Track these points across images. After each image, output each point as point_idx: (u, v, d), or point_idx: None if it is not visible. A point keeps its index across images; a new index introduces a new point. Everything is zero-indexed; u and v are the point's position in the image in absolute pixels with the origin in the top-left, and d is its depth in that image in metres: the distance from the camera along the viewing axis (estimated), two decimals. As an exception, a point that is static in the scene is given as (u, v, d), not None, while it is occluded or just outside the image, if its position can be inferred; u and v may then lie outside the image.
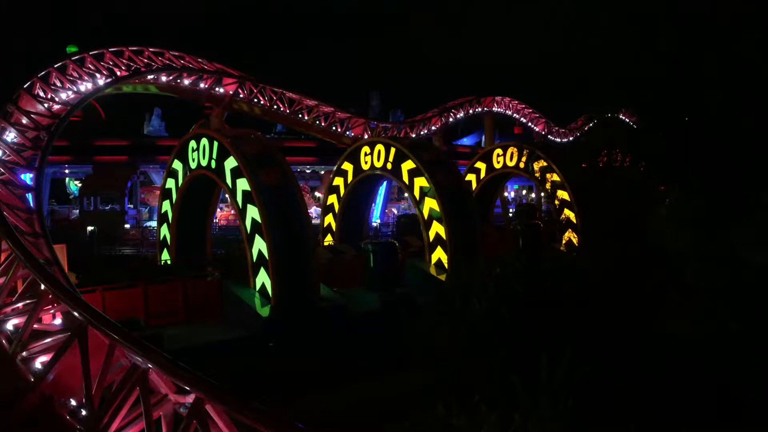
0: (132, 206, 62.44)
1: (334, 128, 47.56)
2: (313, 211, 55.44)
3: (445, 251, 28.13)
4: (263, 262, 22.66)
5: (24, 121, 25.81)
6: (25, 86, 28.23)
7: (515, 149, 39.53)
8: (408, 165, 29.51)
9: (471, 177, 40.95)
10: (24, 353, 10.32)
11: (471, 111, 63.66)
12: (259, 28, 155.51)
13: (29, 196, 20.18)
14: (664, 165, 14.04)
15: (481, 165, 41.05)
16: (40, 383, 9.50)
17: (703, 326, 10.39)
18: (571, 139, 79.92)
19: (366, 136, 46.99)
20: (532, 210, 51.16)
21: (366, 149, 31.77)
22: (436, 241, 28.61)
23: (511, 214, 52.08)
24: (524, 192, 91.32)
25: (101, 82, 31.73)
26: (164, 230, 28.60)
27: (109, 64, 33.32)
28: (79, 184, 67.57)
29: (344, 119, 48.23)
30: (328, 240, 33.32)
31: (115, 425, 8.32)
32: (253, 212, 22.92)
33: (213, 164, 25.01)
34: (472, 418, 9.19)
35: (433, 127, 59.17)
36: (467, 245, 27.98)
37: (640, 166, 15.73)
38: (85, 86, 30.97)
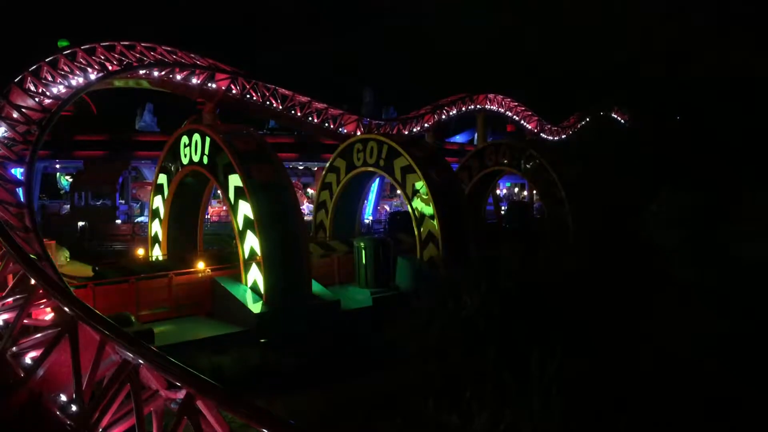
0: (123, 202, 62.14)
1: (326, 125, 47.52)
2: (306, 207, 55.34)
3: (437, 248, 28.16)
4: (255, 259, 22.61)
5: (15, 115, 25.64)
6: (16, 80, 28.03)
7: (508, 147, 39.65)
8: (401, 162, 29.51)
9: (463, 174, 40.99)
10: (14, 348, 10.25)
11: (464, 108, 63.82)
12: (255, 26, 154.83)
13: (20, 191, 20.05)
14: (655, 164, 14.13)
15: (473, 162, 41.11)
16: (30, 379, 9.44)
17: (694, 323, 10.45)
18: (563, 137, 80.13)
19: (359, 133, 46.99)
20: (524, 207, 51.41)
21: (359, 146, 31.73)
22: (428, 238, 28.63)
23: (503, 212, 52.23)
24: (516, 189, 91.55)
25: (93, 76, 31.56)
26: (156, 226, 28.49)
27: (100, 58, 33.12)
28: (70, 179, 67.08)
29: (337, 116, 48.18)
30: (320, 236, 33.28)
31: (105, 421, 8.28)
32: (245, 208, 22.86)
33: (205, 160, 24.92)
34: (463, 415, 9.22)
35: (426, 125, 59.23)
36: (459, 242, 28.03)
37: (632, 164, 15.83)
38: (77, 81, 30.78)
